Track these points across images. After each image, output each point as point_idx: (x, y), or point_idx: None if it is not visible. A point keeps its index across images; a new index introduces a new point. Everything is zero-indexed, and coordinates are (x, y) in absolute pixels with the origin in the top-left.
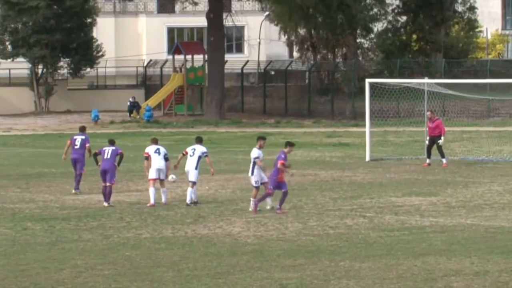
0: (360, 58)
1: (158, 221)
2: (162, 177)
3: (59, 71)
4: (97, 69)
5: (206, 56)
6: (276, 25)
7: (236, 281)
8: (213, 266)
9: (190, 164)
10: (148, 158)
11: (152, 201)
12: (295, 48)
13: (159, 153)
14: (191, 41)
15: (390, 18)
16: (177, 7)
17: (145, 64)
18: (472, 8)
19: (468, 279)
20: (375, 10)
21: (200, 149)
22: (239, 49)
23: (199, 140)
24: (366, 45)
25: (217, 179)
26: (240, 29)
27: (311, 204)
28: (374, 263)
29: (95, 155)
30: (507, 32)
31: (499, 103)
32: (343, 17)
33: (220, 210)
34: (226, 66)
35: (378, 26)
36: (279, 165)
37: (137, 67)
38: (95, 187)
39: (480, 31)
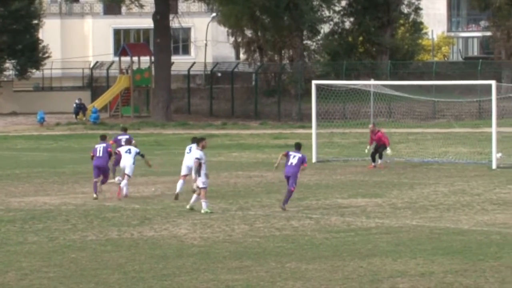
0: (307, 60)
1: (104, 223)
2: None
3: (4, 72)
4: (43, 71)
5: (152, 58)
6: (223, 26)
7: (182, 283)
8: (159, 268)
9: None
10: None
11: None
12: (242, 50)
13: (129, 153)
14: (137, 43)
15: (336, 20)
16: (124, 8)
17: (91, 66)
18: (417, 10)
19: (413, 280)
20: (322, 12)
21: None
22: (186, 51)
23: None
24: (312, 47)
25: (163, 181)
26: (187, 30)
27: (258, 206)
28: (320, 264)
29: (92, 158)
30: (452, 34)
31: (444, 105)
32: (290, 18)
33: (166, 212)
34: (173, 67)
35: (324, 28)
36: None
37: (83, 68)
38: (40, 189)
39: (426, 33)
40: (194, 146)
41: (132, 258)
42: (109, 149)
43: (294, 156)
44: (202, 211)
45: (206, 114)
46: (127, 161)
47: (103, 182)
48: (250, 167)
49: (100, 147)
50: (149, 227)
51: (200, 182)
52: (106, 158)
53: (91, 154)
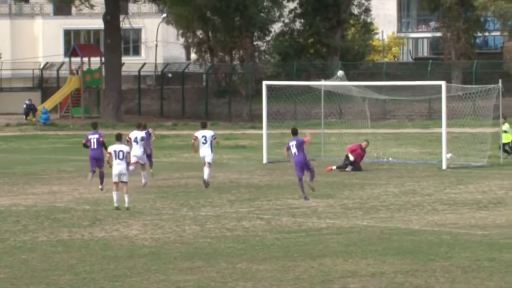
0: (257, 61)
1: (54, 224)
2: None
3: None
4: None
5: (103, 59)
6: (174, 27)
7: (133, 283)
8: (110, 269)
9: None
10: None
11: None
12: (193, 51)
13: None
14: (88, 44)
15: (287, 21)
16: (74, 9)
17: (41, 67)
18: (367, 11)
19: (364, 280)
20: (272, 13)
21: (208, 133)
22: (136, 52)
23: (203, 125)
24: (263, 48)
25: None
26: (137, 31)
27: (209, 206)
28: (271, 265)
29: (84, 146)
30: (402, 34)
31: (394, 105)
32: (241, 19)
33: (117, 212)
34: (123, 68)
35: (275, 29)
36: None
37: (33, 69)
38: None
39: (376, 34)
40: (205, 131)
41: (83, 259)
42: (101, 139)
43: (293, 146)
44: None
45: (157, 115)
46: (136, 151)
47: (101, 173)
48: (201, 168)
49: (93, 139)
50: (100, 228)
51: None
52: (100, 149)
53: (84, 142)
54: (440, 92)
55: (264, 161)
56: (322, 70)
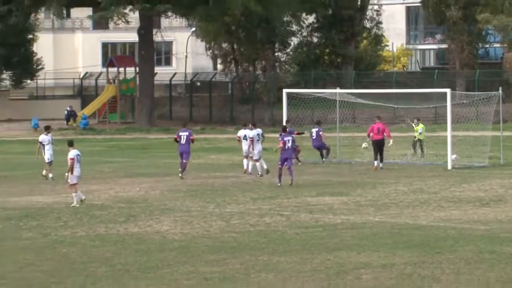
0: (278, 70)
1: (92, 220)
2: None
3: (1, 83)
4: (37, 81)
5: (137, 69)
6: (202, 40)
7: (164, 275)
8: (143, 261)
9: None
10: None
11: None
12: (219, 61)
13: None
14: (123, 55)
15: (305, 33)
16: (111, 24)
17: (81, 76)
18: (378, 24)
19: (376, 271)
20: (292, 27)
21: (254, 132)
22: (168, 62)
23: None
24: (283, 59)
25: (147, 181)
26: (169, 43)
27: (234, 204)
28: (291, 257)
29: (175, 140)
30: (410, 46)
31: (403, 111)
32: (263, 32)
33: (150, 209)
34: (156, 78)
35: (294, 41)
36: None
37: (73, 79)
38: (34, 190)
39: (387, 45)
40: (248, 131)
41: (119, 252)
42: (191, 137)
43: (289, 141)
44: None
45: (187, 120)
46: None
47: (184, 164)
48: (227, 168)
49: (183, 135)
50: (134, 223)
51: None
52: (188, 144)
53: (175, 137)
54: (445, 99)
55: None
56: (337, 78)
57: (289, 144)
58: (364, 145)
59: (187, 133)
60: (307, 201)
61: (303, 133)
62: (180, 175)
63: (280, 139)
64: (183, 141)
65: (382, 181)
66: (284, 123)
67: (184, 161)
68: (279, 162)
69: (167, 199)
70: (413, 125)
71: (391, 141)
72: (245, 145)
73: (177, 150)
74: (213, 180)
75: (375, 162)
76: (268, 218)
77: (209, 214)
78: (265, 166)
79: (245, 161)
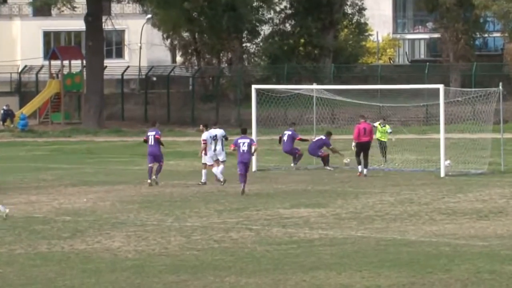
0: (246, 63)
1: (32, 235)
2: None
3: None
4: None
5: (84, 62)
6: (159, 29)
7: None
8: (91, 283)
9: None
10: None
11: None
12: (178, 53)
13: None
14: (68, 46)
15: (276, 21)
16: (54, 10)
17: (19, 70)
18: (361, 11)
19: None
20: (262, 13)
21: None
22: (119, 54)
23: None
24: (252, 50)
25: (95, 191)
26: (120, 33)
27: (195, 217)
28: (261, 278)
29: (144, 141)
30: (398, 36)
31: (390, 110)
32: (229, 20)
33: (99, 223)
34: (106, 72)
35: (264, 29)
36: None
37: (11, 73)
38: None
39: (371, 35)
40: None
41: (63, 273)
42: (157, 136)
43: (244, 143)
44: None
45: (141, 121)
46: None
47: (159, 168)
48: (187, 175)
49: (151, 135)
50: (81, 239)
51: None
52: (157, 146)
53: (144, 138)
54: (437, 96)
55: (254, 168)
56: (313, 73)
57: (245, 148)
58: (345, 161)
59: (154, 133)
60: (279, 213)
61: (307, 139)
62: (149, 181)
63: (233, 142)
64: (151, 141)
65: (366, 190)
66: (292, 122)
67: (150, 164)
68: (238, 169)
69: (119, 212)
70: (376, 125)
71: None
72: (210, 151)
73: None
74: (172, 190)
75: (359, 168)
76: (234, 233)
77: (167, 228)
78: (220, 177)
79: (214, 169)
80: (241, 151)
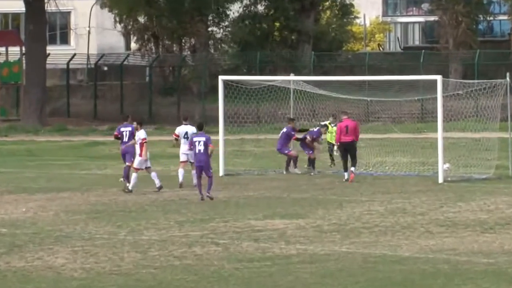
0: (212, 51)
1: None
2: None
3: None
4: None
5: (23, 48)
6: (111, 11)
7: None
8: None
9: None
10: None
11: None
12: (133, 39)
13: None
14: (5, 30)
15: (247, 1)
16: None
17: None
18: None
19: None
20: None
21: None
22: (64, 40)
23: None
24: (219, 35)
25: (36, 199)
26: (66, 15)
27: (153, 229)
28: None
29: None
30: (389, 19)
31: (379, 105)
32: (192, 1)
33: (40, 237)
34: (49, 60)
35: (233, 11)
36: None
37: None
38: None
39: (357, 17)
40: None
41: None
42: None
43: (199, 142)
44: None
45: (90, 117)
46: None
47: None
48: (144, 181)
49: (126, 131)
50: (19, 256)
51: None
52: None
53: (115, 134)
54: (434, 88)
55: (221, 173)
56: (290, 61)
57: (201, 148)
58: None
59: (130, 129)
60: (251, 225)
61: (304, 139)
62: (121, 180)
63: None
64: (125, 138)
65: (351, 198)
66: (289, 118)
67: (127, 163)
68: (193, 172)
69: (63, 223)
70: (326, 123)
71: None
72: (184, 147)
73: (119, 151)
74: (126, 198)
75: (345, 174)
76: (198, 248)
77: (119, 243)
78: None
79: (180, 171)
80: (196, 151)
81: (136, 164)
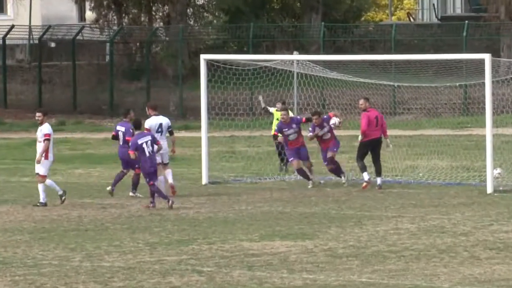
0: (192, 22)
1: None
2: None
3: None
4: None
5: None
6: None
7: None
8: None
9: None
10: None
11: None
12: (89, 6)
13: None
14: None
15: None
16: None
17: None
18: None
19: None
20: None
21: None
22: (0, 9)
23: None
24: (200, 2)
25: None
26: None
27: (116, 253)
28: None
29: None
30: None
31: (409, 93)
32: None
33: None
34: None
35: None
36: None
37: None
38: None
39: None
40: None
41: None
42: (127, 137)
43: (147, 142)
44: None
45: (32, 108)
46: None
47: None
48: (104, 191)
49: (122, 131)
50: None
51: None
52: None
53: (113, 133)
54: (481, 71)
55: (204, 181)
56: (294, 36)
57: (150, 149)
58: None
59: (124, 128)
60: (243, 248)
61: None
62: (131, 194)
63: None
64: (121, 141)
65: (374, 213)
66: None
67: (124, 170)
68: (146, 179)
69: (2, 245)
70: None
71: (388, 141)
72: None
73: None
74: (81, 212)
75: (365, 175)
76: (176, 278)
77: (73, 270)
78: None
79: (163, 176)
80: (147, 154)
81: (39, 171)
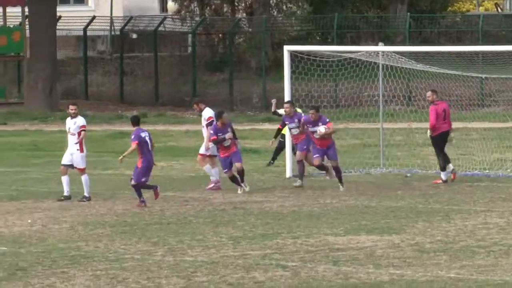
0: (276, 13)
1: None
2: None
3: None
4: None
5: (26, 10)
6: None
7: None
8: None
9: None
10: None
11: None
12: None
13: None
14: None
15: None
16: None
17: None
18: None
19: None
20: None
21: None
22: (81, 0)
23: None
24: None
25: (45, 208)
26: None
27: (199, 247)
28: None
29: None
30: None
31: (497, 85)
32: None
33: (51, 257)
34: (59, 25)
35: None
36: None
37: None
38: None
39: None
40: None
41: None
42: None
43: (145, 137)
44: None
45: (114, 100)
46: None
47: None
48: (186, 184)
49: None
50: (24, 282)
51: None
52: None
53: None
54: None
55: (288, 174)
56: (379, 27)
57: (149, 144)
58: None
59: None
60: (328, 242)
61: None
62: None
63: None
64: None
65: (462, 207)
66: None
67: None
68: (144, 177)
69: (82, 239)
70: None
71: (452, 135)
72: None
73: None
74: (163, 206)
75: (450, 166)
76: (260, 274)
77: (155, 265)
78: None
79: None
80: (149, 148)
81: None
